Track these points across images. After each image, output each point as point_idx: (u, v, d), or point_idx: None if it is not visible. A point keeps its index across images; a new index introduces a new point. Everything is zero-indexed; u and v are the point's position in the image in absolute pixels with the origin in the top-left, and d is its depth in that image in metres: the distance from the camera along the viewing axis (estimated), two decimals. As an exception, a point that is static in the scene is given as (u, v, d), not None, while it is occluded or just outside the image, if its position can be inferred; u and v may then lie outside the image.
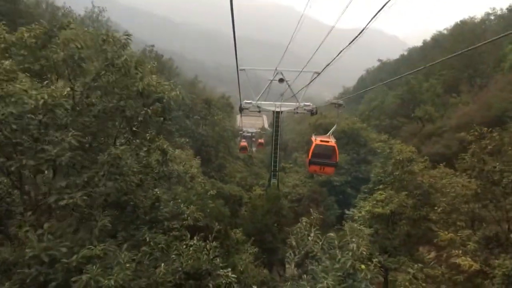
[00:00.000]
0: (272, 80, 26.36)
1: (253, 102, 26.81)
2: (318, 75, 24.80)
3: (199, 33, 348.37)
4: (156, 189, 10.74)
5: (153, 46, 68.68)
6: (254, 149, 70.38)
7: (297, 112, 27.15)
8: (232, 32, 9.68)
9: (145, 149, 10.82)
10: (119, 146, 9.19)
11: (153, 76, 9.90)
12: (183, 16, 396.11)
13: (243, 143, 50.32)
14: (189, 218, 11.37)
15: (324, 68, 22.09)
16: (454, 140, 29.94)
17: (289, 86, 26.26)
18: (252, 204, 27.99)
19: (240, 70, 24.90)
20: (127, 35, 9.62)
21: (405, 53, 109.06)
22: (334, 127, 22.06)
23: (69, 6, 52.76)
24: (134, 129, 9.93)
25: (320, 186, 37.48)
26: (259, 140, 62.52)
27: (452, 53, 53.96)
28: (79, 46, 8.63)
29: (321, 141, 19.45)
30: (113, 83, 9.16)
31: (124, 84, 9.32)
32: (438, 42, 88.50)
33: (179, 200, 11.82)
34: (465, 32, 66.88)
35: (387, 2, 8.51)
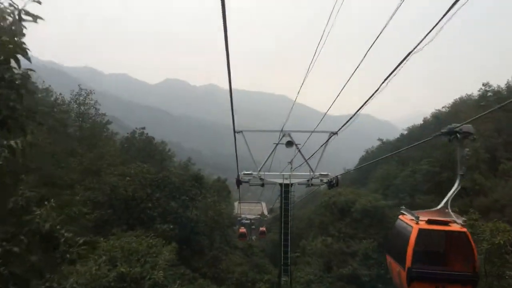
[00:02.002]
0: (278, 144, 20.77)
1: (254, 173, 20.95)
2: (334, 135, 19.66)
3: (196, 125, 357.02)
4: None
5: (143, 128, 65.01)
6: (254, 237, 64.56)
7: (311, 185, 21.15)
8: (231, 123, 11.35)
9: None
10: None
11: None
12: (181, 109, 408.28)
13: (242, 230, 45.96)
14: None
15: (341, 127, 17.61)
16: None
17: (299, 150, 20.73)
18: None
19: (237, 132, 19.53)
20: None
21: (405, 132, 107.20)
22: (456, 186, 10.47)
23: (49, 86, 49.23)
24: None
25: (344, 282, 29.77)
26: (261, 229, 55.52)
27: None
28: None
29: (431, 223, 9.37)
30: None
31: None
32: (438, 119, 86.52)
33: None
34: (467, 105, 64.98)
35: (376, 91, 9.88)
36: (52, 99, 49.11)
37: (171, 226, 25.78)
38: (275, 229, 73.11)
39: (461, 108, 76.27)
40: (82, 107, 58.22)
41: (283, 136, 20.59)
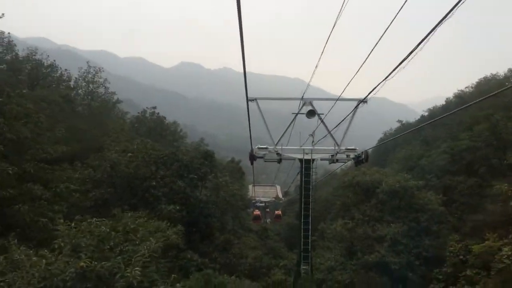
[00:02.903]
0: (297, 114, 17.99)
1: (269, 147, 18.22)
2: (362, 102, 16.91)
3: (210, 107, 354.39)
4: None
5: (155, 108, 62.98)
6: (268, 220, 62.73)
7: (336, 160, 18.31)
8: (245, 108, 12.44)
9: None
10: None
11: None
12: (195, 92, 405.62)
13: (257, 212, 44.44)
14: None
15: (370, 92, 14.99)
16: None
17: (322, 121, 17.89)
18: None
19: (250, 100, 16.87)
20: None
21: (425, 113, 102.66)
22: None
23: (56, 63, 47.04)
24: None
25: (370, 270, 26.88)
26: (276, 212, 53.01)
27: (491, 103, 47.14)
28: None
29: None
30: None
31: None
32: (462, 99, 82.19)
33: None
34: (492, 85, 60.83)
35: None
36: (57, 75, 47.11)
37: (177, 207, 23.32)
38: (290, 212, 71.09)
39: (486, 88, 72.04)
40: (91, 85, 56.52)
41: (304, 104, 17.77)
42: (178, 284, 8.25)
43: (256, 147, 18.12)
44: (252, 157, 17.96)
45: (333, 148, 18.12)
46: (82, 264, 7.40)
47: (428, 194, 30.66)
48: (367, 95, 16.40)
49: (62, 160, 25.78)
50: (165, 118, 63.39)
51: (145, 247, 8.50)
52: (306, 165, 18.03)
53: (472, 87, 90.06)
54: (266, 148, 18.12)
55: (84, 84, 55.63)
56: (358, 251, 28.64)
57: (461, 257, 19.67)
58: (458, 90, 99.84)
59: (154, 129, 58.72)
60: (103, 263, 7.55)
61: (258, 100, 17.59)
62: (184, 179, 26.37)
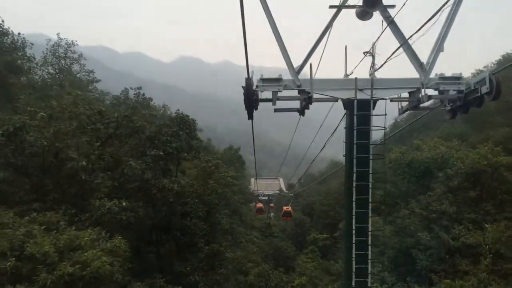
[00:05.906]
0: (341, 7, 8.66)
1: (284, 79, 8.90)
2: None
3: (211, 102, 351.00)
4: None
5: (140, 88, 53.88)
6: (272, 214, 56.03)
7: (428, 99, 8.93)
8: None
9: None
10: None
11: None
12: (195, 86, 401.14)
13: (259, 204, 42.21)
14: None
15: None
16: None
17: (389, 22, 8.67)
18: None
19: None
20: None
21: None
22: None
23: (2, 22, 37.88)
24: None
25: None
26: (285, 208, 43.36)
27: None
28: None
29: None
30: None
31: None
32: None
33: None
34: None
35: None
36: (8, 41, 38.14)
37: (124, 204, 13.94)
38: (295, 206, 63.14)
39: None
40: (62, 61, 48.50)
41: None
42: None
43: (259, 77, 8.79)
44: (250, 97, 8.58)
45: (416, 77, 8.87)
46: None
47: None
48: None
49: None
50: (151, 99, 54.66)
51: None
52: (360, 112, 8.76)
53: (492, 65, 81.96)
54: (278, 80, 8.81)
55: (54, 59, 47.80)
56: (422, 268, 18.66)
57: None
58: (476, 70, 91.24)
59: (139, 111, 49.97)
60: None
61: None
62: (144, 157, 16.97)
